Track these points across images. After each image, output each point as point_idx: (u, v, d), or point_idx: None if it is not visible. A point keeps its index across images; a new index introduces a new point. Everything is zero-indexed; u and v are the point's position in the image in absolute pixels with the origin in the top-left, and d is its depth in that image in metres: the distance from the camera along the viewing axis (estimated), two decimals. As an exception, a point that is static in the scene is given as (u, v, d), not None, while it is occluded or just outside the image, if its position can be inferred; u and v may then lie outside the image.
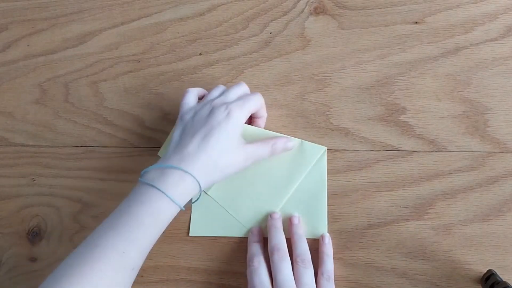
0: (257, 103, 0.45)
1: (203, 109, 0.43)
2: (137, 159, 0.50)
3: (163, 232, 0.40)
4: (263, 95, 0.46)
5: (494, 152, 0.45)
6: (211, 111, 0.42)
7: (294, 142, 0.47)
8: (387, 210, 0.45)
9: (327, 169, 0.47)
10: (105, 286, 0.36)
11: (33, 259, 0.50)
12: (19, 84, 0.55)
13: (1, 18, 0.57)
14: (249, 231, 0.46)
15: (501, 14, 0.48)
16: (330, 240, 0.45)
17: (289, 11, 0.52)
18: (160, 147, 0.50)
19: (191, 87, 0.47)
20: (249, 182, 0.47)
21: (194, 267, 0.47)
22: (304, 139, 0.47)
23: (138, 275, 0.39)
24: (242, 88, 0.46)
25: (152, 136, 0.51)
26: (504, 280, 0.40)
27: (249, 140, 0.44)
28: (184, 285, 0.46)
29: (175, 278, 0.47)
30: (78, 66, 0.54)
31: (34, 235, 0.50)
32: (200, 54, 0.52)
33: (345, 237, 0.45)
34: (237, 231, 0.47)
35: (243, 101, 0.43)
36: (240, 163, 0.43)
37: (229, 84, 0.50)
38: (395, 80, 0.48)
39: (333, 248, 0.45)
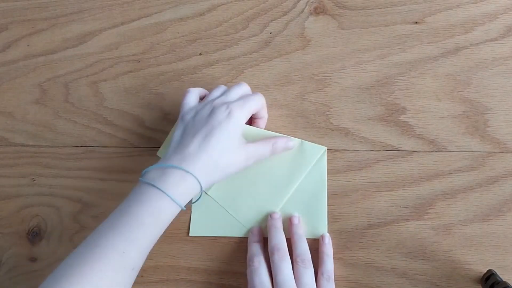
0: (258, 104, 0.45)
1: (204, 109, 0.43)
2: (137, 159, 0.50)
3: (163, 232, 0.40)
4: (263, 95, 0.46)
5: (494, 152, 0.45)
6: (212, 111, 0.42)
7: (294, 141, 0.47)
8: (387, 210, 0.45)
9: (327, 169, 0.47)
10: (105, 286, 0.36)
11: (33, 259, 0.50)
12: (19, 84, 0.55)
13: (1, 18, 0.57)
14: (249, 231, 0.46)
15: (501, 14, 0.48)
16: (330, 240, 0.45)
17: (289, 11, 0.52)
18: (160, 147, 0.50)
19: (191, 87, 0.47)
20: (249, 182, 0.47)
21: (194, 267, 0.47)
22: (304, 139, 0.47)
23: (138, 275, 0.39)
24: (244, 88, 0.46)
25: (152, 136, 0.51)
26: (504, 280, 0.40)
27: (250, 140, 0.44)
28: (184, 285, 0.46)
29: (175, 278, 0.47)
30: (78, 66, 0.54)
31: (34, 235, 0.50)
32: (200, 54, 0.52)
33: (345, 237, 0.45)
34: (237, 231, 0.47)
35: (244, 101, 0.43)
36: (241, 162, 0.43)
37: (230, 84, 0.50)
38: (395, 80, 0.48)
39: (333, 248, 0.45)
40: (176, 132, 0.43)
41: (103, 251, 0.36)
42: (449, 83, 0.47)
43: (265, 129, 0.48)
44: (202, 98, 0.47)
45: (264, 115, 0.47)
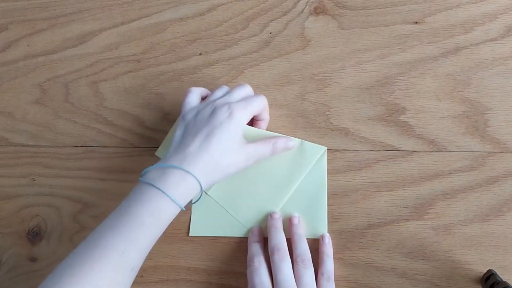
0: (260, 105, 0.45)
1: (205, 109, 0.43)
2: (137, 159, 0.50)
3: (163, 232, 0.40)
4: (263, 95, 0.46)
5: (494, 152, 0.45)
6: (213, 111, 0.42)
7: (294, 141, 0.47)
8: (387, 210, 0.45)
9: (327, 169, 0.47)
10: (105, 286, 0.36)
11: (33, 259, 0.50)
12: (19, 84, 0.55)
13: (1, 18, 0.57)
14: (249, 231, 0.46)
15: (501, 14, 0.48)
16: (330, 240, 0.45)
17: (289, 11, 0.52)
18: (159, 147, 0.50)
19: (191, 87, 0.47)
20: (249, 182, 0.47)
21: (194, 267, 0.47)
22: (304, 139, 0.47)
23: (138, 275, 0.39)
24: (246, 90, 0.46)
25: (152, 136, 0.51)
26: (504, 280, 0.40)
27: (250, 140, 0.44)
28: (184, 285, 0.46)
29: (175, 278, 0.47)
30: (78, 66, 0.54)
31: (34, 235, 0.50)
32: (200, 54, 0.52)
33: (345, 237, 0.45)
34: (237, 231, 0.47)
35: (246, 102, 0.43)
36: (242, 162, 0.43)
37: (230, 84, 0.50)
38: (395, 80, 0.48)
39: (333, 248, 0.45)
40: (177, 132, 0.43)
41: (103, 251, 0.36)
42: (449, 83, 0.47)
43: (265, 129, 0.48)
44: (203, 98, 0.47)
45: (265, 117, 0.47)
